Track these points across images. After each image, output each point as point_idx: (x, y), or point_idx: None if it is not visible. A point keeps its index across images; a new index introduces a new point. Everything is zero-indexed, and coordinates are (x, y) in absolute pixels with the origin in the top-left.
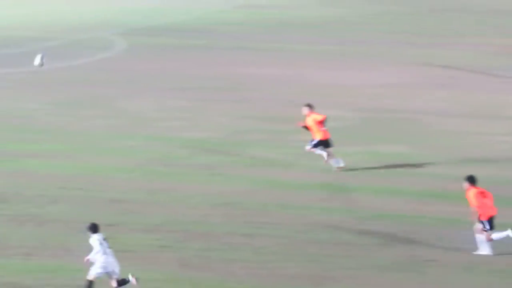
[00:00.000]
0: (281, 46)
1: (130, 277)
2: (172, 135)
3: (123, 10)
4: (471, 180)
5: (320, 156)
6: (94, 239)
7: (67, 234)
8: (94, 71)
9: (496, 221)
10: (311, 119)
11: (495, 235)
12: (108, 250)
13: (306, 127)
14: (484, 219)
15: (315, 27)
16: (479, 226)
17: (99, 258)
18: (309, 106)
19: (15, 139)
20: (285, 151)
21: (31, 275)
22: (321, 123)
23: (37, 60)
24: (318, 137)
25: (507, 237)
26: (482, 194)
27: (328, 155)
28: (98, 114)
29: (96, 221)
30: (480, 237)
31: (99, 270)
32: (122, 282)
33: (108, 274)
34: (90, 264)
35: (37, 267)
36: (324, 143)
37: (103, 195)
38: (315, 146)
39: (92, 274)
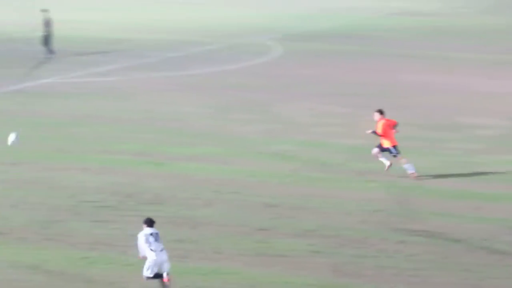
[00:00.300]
0: (436, 53)
1: (165, 275)
2: (327, 141)
3: (280, 16)
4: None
5: (383, 163)
6: (141, 234)
7: (220, 237)
8: (250, 76)
9: None
10: (382, 125)
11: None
12: (156, 246)
13: (376, 133)
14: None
15: (472, 35)
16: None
17: (148, 255)
18: (380, 111)
19: (172, 143)
20: (441, 159)
21: (187, 277)
22: (391, 128)
23: (12, 137)
24: (387, 144)
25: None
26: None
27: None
28: (253, 119)
29: (249, 225)
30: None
31: (150, 266)
32: (158, 275)
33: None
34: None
35: (192, 269)
36: (390, 149)
37: (257, 200)
38: (382, 151)
39: (145, 273)
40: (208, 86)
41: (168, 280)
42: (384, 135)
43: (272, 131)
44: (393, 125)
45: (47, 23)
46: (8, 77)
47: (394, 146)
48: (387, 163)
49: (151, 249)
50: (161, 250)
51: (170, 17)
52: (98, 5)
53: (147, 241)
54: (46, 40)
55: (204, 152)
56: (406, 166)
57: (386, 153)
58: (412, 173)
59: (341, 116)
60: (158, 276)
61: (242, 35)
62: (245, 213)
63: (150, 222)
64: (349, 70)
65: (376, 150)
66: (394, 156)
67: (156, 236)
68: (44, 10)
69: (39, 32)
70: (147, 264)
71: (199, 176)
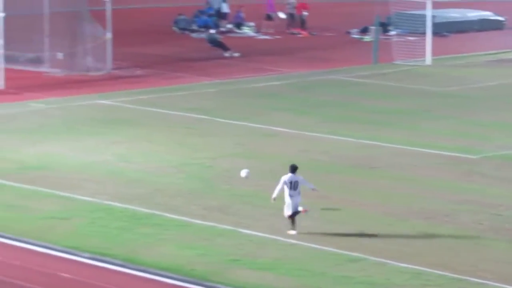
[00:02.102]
0: None
1: (300, 208)
2: None
3: None
4: None
5: None
6: (282, 179)
7: None
8: None
9: None
10: None
11: None
12: (293, 192)
13: None
14: None
15: None
16: None
17: (286, 199)
18: None
19: None
20: None
21: None
22: None
23: (243, 173)
24: None
25: None
26: None
27: None
28: None
29: None
30: None
31: (286, 211)
32: (294, 214)
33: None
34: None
35: None
36: None
37: None
38: None
39: (285, 213)
40: None
41: (305, 210)
42: None
43: None
44: None
45: None
46: None
47: None
48: None
49: (289, 194)
50: (298, 195)
51: None
52: None
53: (285, 185)
54: None
55: None
56: None
57: None
58: None
59: None
60: (295, 214)
61: None
62: None
63: (291, 168)
64: None
65: None
66: None
67: (295, 184)
68: None
69: None
70: (285, 206)
71: None
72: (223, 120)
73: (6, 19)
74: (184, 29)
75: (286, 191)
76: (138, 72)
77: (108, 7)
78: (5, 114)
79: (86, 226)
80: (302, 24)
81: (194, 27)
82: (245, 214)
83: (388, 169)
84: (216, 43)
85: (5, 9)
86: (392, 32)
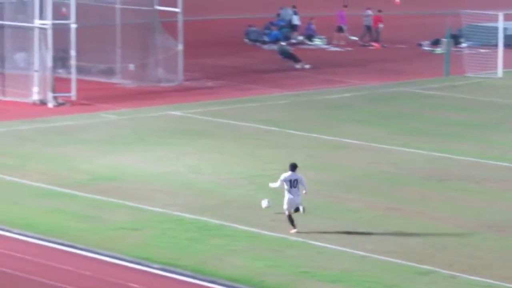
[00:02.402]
0: None
1: (301, 208)
2: None
3: None
4: None
5: None
6: (281, 176)
7: None
8: None
9: None
10: None
11: None
12: (293, 190)
13: None
14: None
15: None
16: None
17: (285, 195)
18: None
19: None
20: None
21: None
22: None
23: (264, 203)
24: None
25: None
26: None
27: None
28: None
29: None
30: None
31: (285, 206)
32: (295, 211)
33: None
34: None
35: None
36: None
37: None
38: None
39: (285, 211)
40: None
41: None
42: None
43: None
44: None
45: None
46: None
47: None
48: None
49: (288, 192)
50: (297, 192)
51: None
52: None
53: (285, 182)
54: None
55: None
56: None
57: None
58: None
59: None
60: (295, 211)
61: None
62: None
63: (291, 167)
64: None
65: None
66: None
67: (294, 182)
68: None
69: None
70: (284, 202)
71: None
72: (294, 132)
73: (78, 30)
74: (255, 40)
75: (286, 188)
76: (209, 83)
77: (180, 19)
78: (77, 125)
79: (156, 237)
80: (377, 36)
81: (265, 39)
82: (314, 226)
83: (459, 181)
84: (287, 55)
85: (77, 20)
86: (464, 44)
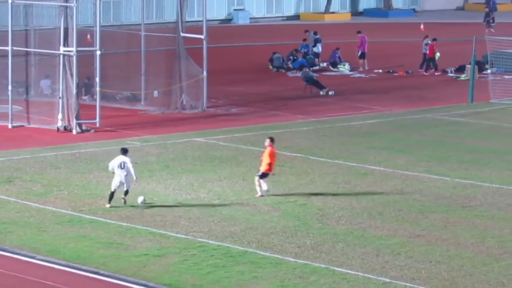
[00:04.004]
0: None
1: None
2: None
3: None
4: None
5: None
6: (115, 158)
7: None
8: None
9: None
10: None
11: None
12: (122, 171)
13: None
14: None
15: None
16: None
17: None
18: None
19: None
20: None
21: None
22: None
23: (140, 199)
24: None
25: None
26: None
27: None
28: None
29: None
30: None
31: (113, 184)
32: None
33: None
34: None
35: None
36: None
37: None
38: None
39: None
40: None
41: (124, 201)
42: None
43: None
44: None
45: None
46: None
47: None
48: None
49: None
50: (126, 175)
51: None
52: None
53: (116, 165)
54: None
55: None
56: None
57: None
58: None
59: None
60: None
61: None
62: None
63: (123, 151)
64: None
65: None
66: None
67: (123, 164)
68: None
69: None
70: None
71: None
72: (318, 158)
73: (102, 57)
74: (279, 67)
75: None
76: (233, 110)
77: (205, 46)
78: (101, 152)
79: (179, 263)
80: (434, 65)
81: (290, 65)
82: (338, 253)
83: (484, 208)
84: (311, 81)
85: (102, 47)
86: (488, 71)
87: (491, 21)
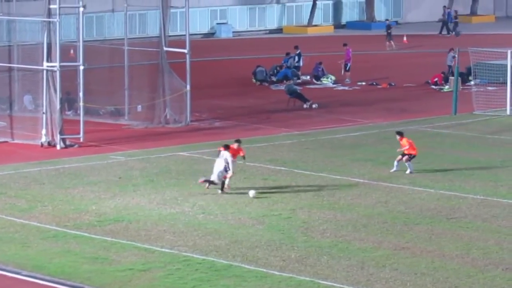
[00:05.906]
0: None
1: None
2: None
3: None
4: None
5: None
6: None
7: None
8: None
9: None
10: None
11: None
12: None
13: None
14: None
15: None
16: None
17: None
18: None
19: None
20: None
21: None
22: None
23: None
24: None
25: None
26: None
27: None
28: None
29: None
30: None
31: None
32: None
33: None
34: None
35: None
36: None
37: None
38: None
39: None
40: None
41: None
42: None
43: None
44: None
45: None
46: None
47: None
48: None
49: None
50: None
51: None
52: None
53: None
54: None
55: None
56: None
57: None
58: None
59: None
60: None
61: None
62: None
63: (225, 147)
64: None
65: None
66: None
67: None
68: None
69: None
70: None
71: None
72: (302, 171)
73: (86, 71)
74: (262, 80)
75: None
76: (217, 123)
77: (188, 60)
78: (85, 166)
79: (164, 277)
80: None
81: (273, 78)
82: (323, 265)
83: (469, 219)
84: (295, 94)
85: (86, 62)
86: (472, 82)
87: (391, 33)
